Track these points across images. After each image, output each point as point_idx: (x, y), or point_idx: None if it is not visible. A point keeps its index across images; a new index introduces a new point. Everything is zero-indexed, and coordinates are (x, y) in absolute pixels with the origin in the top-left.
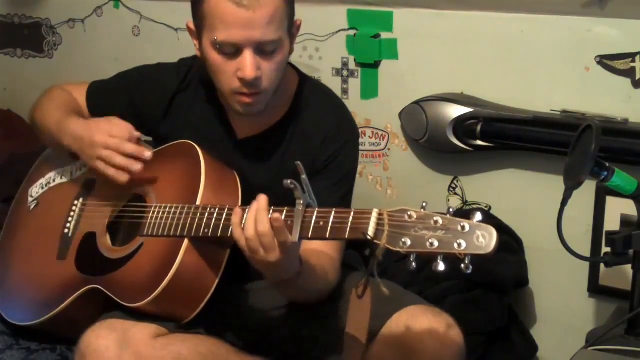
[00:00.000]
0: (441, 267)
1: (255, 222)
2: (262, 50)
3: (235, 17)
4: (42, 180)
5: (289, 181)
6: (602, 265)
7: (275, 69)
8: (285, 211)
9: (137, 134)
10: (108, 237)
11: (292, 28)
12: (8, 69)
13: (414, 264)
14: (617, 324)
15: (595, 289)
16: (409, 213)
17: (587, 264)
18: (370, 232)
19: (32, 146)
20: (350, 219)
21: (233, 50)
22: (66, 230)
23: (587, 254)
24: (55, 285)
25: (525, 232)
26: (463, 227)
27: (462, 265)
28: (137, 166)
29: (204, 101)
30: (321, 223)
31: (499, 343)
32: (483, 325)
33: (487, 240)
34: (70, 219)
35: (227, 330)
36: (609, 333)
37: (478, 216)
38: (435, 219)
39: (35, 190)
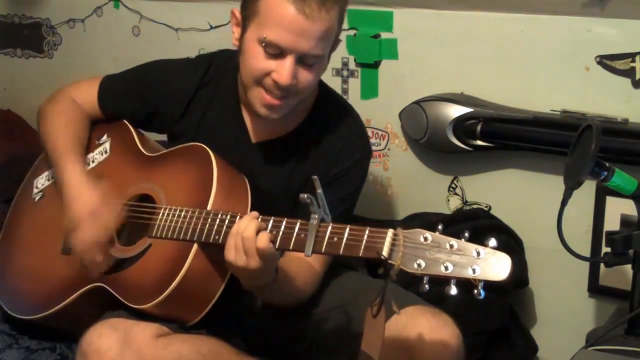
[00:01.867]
0: (453, 291)
1: (242, 230)
2: (303, 61)
3: (292, 23)
4: (48, 172)
5: (305, 195)
6: (602, 265)
7: (309, 81)
8: (298, 224)
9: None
10: (115, 235)
11: (333, 47)
12: (8, 69)
13: (427, 286)
14: (617, 324)
15: (595, 289)
16: (424, 235)
17: (587, 264)
18: (385, 252)
19: (32, 146)
20: (365, 237)
21: (277, 52)
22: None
23: (587, 254)
24: (58, 280)
25: (525, 232)
26: (478, 253)
27: (475, 291)
28: (101, 268)
29: (221, 101)
30: (335, 239)
31: (499, 343)
32: (483, 325)
33: (501, 267)
34: None
35: (228, 331)
36: (609, 333)
37: (493, 242)
38: (450, 243)
39: (41, 181)
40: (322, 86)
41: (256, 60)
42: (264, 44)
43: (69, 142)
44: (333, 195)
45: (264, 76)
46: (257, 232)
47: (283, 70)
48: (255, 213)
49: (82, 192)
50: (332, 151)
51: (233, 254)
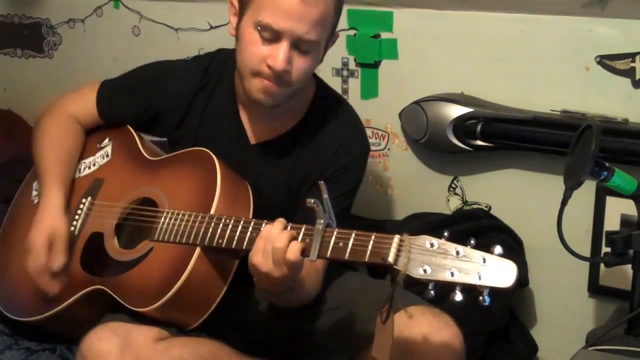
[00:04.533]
0: (459, 297)
1: (274, 238)
2: (298, 46)
3: (287, 6)
4: None
5: (312, 200)
6: (602, 265)
7: (304, 69)
8: (303, 229)
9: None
10: (116, 238)
11: (330, 39)
12: (8, 69)
13: (432, 292)
14: (617, 324)
15: (595, 289)
16: (431, 241)
17: (587, 264)
18: (391, 258)
19: (32, 146)
20: (371, 242)
21: (272, 37)
22: (72, 228)
23: (587, 254)
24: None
25: (525, 232)
26: (484, 260)
27: (480, 298)
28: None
29: (220, 102)
30: (341, 244)
31: (499, 343)
32: (483, 325)
33: (507, 274)
34: (77, 217)
35: (229, 333)
36: (609, 333)
37: (498, 249)
38: (457, 249)
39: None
40: (319, 83)
41: (252, 45)
42: (259, 28)
43: (55, 162)
44: (330, 194)
45: (260, 62)
46: (289, 242)
47: (278, 54)
48: (283, 220)
49: (46, 219)
50: (329, 149)
51: (260, 258)
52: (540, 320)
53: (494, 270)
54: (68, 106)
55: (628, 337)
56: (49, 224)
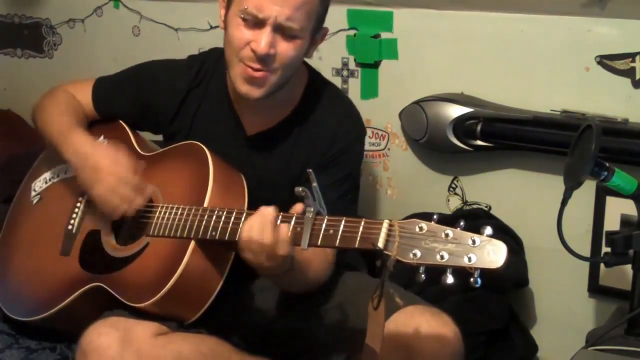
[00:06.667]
0: (450, 280)
1: (262, 233)
2: (283, 32)
3: None
4: (46, 175)
5: (300, 189)
6: (602, 265)
7: (289, 55)
8: (294, 218)
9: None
10: (113, 235)
11: (317, 33)
12: (8, 69)
13: (423, 275)
14: (617, 324)
15: (595, 289)
16: (420, 225)
17: (587, 264)
18: (380, 243)
19: (32, 146)
20: (361, 228)
21: (255, 22)
22: (70, 227)
23: (587, 254)
24: (58, 281)
25: (525, 232)
26: (474, 242)
27: (471, 279)
28: (139, 201)
29: (214, 98)
30: (331, 231)
31: (499, 343)
32: (483, 325)
33: (497, 255)
34: (74, 215)
35: (228, 330)
36: (609, 333)
37: (488, 230)
38: (446, 232)
39: (39, 184)
40: (311, 72)
41: (237, 32)
42: (242, 16)
43: (71, 122)
44: (332, 178)
45: (244, 46)
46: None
47: (260, 38)
48: (269, 212)
49: (94, 150)
50: (326, 134)
51: (249, 255)
52: (540, 320)
53: (483, 252)
54: (70, 90)
55: (628, 337)
56: (102, 151)
